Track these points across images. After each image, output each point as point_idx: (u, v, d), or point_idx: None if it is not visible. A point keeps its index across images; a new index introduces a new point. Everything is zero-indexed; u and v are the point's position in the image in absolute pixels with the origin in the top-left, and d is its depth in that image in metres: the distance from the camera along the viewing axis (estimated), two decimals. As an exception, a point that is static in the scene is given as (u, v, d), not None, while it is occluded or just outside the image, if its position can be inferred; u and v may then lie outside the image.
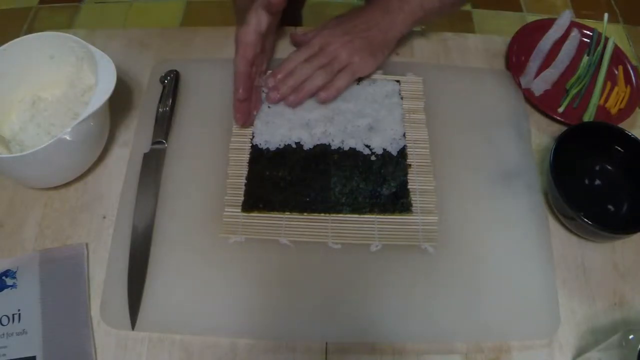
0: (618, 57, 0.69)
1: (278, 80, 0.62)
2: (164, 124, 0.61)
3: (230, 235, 0.55)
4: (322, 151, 0.60)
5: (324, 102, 0.62)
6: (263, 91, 0.63)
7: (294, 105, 0.62)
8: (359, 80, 0.65)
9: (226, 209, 0.56)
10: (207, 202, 0.57)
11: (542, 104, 0.65)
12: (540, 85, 0.66)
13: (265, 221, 0.56)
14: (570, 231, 0.57)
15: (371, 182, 0.58)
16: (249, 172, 0.59)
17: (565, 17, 0.71)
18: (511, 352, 0.51)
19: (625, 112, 0.65)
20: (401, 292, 0.52)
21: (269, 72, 0.64)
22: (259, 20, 0.58)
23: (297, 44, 0.69)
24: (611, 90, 0.67)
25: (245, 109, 0.60)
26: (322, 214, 0.56)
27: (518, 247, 0.55)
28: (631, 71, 0.68)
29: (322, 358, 0.50)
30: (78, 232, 0.56)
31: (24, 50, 0.58)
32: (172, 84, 0.64)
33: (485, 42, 0.72)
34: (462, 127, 0.63)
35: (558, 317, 0.52)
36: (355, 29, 0.63)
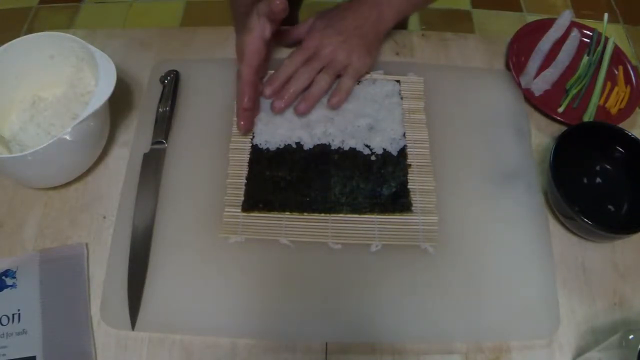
0: (618, 57, 0.69)
1: (277, 87, 0.60)
2: (164, 124, 0.61)
3: (230, 235, 0.55)
4: (322, 151, 0.60)
5: (335, 106, 0.61)
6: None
7: (305, 112, 0.61)
8: (359, 80, 0.65)
9: (226, 209, 0.56)
10: (207, 202, 0.57)
11: (542, 104, 0.65)
12: (540, 85, 0.66)
13: (265, 221, 0.56)
14: (570, 231, 0.57)
15: (371, 182, 0.58)
16: (249, 172, 0.59)
17: (565, 17, 0.71)
18: (511, 352, 0.51)
19: (625, 112, 0.65)
20: (401, 292, 0.52)
21: (265, 80, 0.63)
22: (262, 27, 0.57)
23: (281, 40, 0.67)
24: (611, 90, 0.67)
25: (250, 117, 0.59)
26: (322, 214, 0.56)
27: (518, 247, 0.55)
28: (631, 71, 0.68)
29: (322, 358, 0.50)
30: (78, 232, 0.56)
31: (24, 50, 0.58)
32: (172, 84, 0.64)
33: (485, 42, 0.72)
34: (462, 127, 0.63)
35: (558, 317, 0.52)
36: (347, 28, 0.62)
